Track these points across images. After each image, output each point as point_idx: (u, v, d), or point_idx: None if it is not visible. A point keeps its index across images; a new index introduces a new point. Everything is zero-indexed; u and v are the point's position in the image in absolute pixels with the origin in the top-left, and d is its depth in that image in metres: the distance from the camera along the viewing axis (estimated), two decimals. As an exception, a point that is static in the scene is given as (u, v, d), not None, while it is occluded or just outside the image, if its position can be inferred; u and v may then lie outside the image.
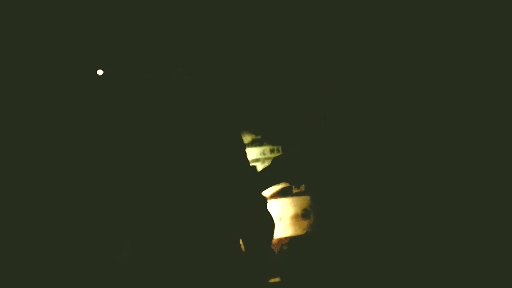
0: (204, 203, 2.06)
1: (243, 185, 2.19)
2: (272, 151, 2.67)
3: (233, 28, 2.65)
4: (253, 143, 2.67)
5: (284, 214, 2.64)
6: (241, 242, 2.30)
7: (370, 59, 2.68)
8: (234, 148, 2.17)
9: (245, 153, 2.12)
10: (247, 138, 2.66)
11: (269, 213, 2.24)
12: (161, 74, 2.23)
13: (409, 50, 2.66)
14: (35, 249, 2.31)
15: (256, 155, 2.66)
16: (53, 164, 2.40)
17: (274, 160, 2.44)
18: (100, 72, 2.69)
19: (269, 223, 2.26)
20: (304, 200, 2.65)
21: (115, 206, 2.10)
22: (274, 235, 2.26)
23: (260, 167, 2.62)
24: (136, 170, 2.11)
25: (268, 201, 2.66)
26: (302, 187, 2.65)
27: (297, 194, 2.65)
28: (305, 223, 2.63)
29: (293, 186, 2.65)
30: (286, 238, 2.62)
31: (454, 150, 2.59)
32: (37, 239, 2.32)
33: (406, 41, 2.67)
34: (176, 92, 2.15)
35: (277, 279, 2.56)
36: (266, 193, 2.66)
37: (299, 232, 2.62)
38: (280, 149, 2.67)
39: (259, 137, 2.67)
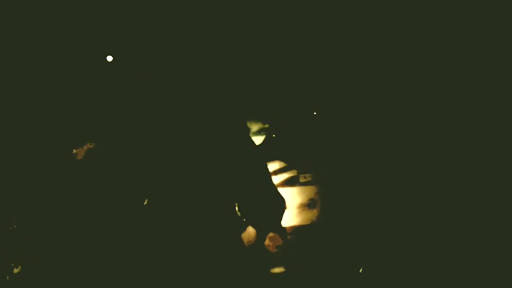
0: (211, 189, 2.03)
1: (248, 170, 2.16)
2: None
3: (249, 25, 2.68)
4: (261, 132, 2.67)
5: (290, 204, 2.60)
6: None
7: (374, 55, 2.71)
8: (237, 137, 2.16)
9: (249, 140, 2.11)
10: (254, 127, 2.66)
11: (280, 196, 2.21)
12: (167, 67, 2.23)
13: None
14: (36, 249, 2.26)
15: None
16: (56, 163, 2.35)
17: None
18: (109, 58, 2.68)
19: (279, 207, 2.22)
20: (311, 190, 2.62)
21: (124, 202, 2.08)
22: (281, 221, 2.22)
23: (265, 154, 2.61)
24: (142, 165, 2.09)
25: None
26: (309, 177, 2.63)
27: (303, 184, 2.62)
28: (311, 212, 2.60)
29: (300, 176, 2.63)
30: (291, 227, 2.57)
31: (456, 145, 2.61)
32: (37, 239, 2.27)
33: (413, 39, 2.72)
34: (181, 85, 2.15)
35: (281, 269, 2.50)
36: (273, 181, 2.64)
37: (304, 222, 2.59)
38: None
39: (266, 126, 2.67)
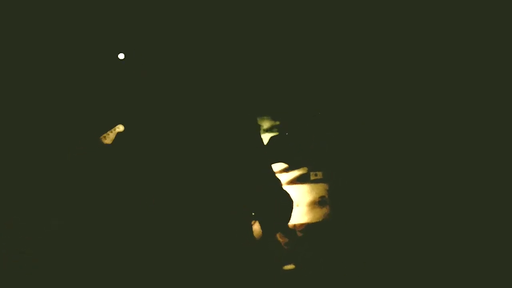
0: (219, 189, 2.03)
1: (258, 169, 2.16)
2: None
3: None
4: (272, 129, 2.67)
5: (301, 201, 2.60)
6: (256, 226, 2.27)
7: (385, 52, 2.70)
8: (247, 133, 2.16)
9: (259, 138, 2.11)
10: (266, 124, 2.66)
11: (288, 195, 2.21)
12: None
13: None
14: (37, 250, 2.26)
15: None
16: (58, 162, 2.36)
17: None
18: (121, 56, 2.70)
19: (287, 206, 2.23)
20: (322, 187, 2.62)
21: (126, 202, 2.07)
22: (290, 220, 2.23)
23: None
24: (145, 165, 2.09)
25: (286, 187, 2.64)
26: (320, 175, 2.63)
27: (314, 181, 2.62)
28: (322, 210, 2.60)
29: (311, 173, 2.63)
30: (302, 224, 2.58)
31: (470, 138, 2.60)
32: (37, 239, 2.27)
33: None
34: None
35: (291, 266, 2.50)
36: (283, 178, 2.65)
37: (315, 219, 2.59)
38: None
39: (277, 123, 2.67)
